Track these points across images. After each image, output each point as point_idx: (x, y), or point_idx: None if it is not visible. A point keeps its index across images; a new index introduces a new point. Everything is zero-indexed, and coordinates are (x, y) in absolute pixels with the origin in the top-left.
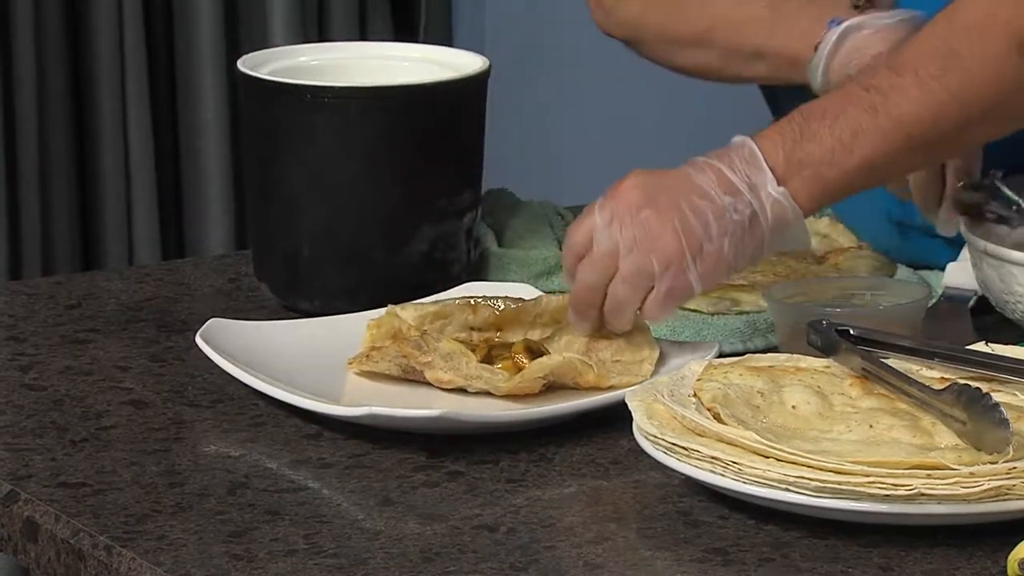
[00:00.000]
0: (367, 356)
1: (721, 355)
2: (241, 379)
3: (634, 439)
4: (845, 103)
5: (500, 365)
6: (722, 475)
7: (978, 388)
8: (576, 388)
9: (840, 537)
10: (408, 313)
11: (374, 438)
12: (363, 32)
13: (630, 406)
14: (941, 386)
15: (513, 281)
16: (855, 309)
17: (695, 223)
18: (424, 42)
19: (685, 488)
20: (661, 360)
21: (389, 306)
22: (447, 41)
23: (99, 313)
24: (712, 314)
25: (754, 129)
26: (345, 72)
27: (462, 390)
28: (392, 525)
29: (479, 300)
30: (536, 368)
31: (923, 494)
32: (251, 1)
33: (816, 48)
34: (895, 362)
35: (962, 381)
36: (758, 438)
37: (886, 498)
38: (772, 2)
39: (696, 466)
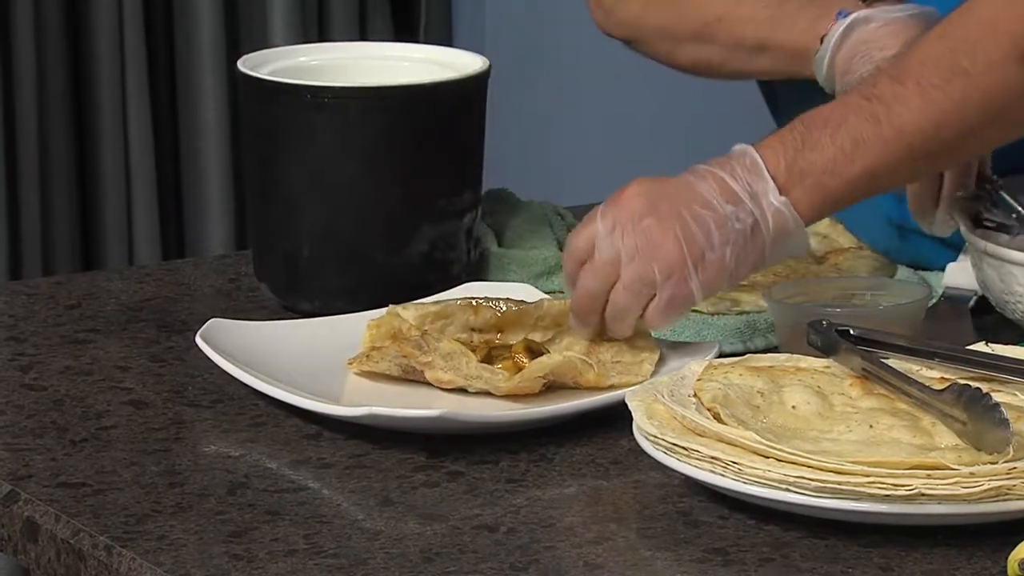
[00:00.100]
0: (367, 356)
1: (721, 355)
2: (241, 379)
3: (634, 439)
4: (846, 112)
5: (500, 365)
6: (722, 475)
7: (978, 388)
8: (576, 388)
9: (840, 537)
10: (409, 313)
11: (374, 438)
12: (363, 32)
13: (630, 406)
14: (941, 386)
15: (513, 281)
16: (855, 309)
17: (697, 232)
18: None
19: (685, 488)
20: (661, 360)
21: (390, 306)
22: (447, 41)
23: (99, 313)
24: (712, 314)
25: (753, 129)
26: (345, 72)
27: (462, 390)
28: (392, 525)
29: (480, 301)
30: (536, 367)
31: (923, 494)
32: (251, 1)
33: (822, 40)
34: (895, 362)
35: (962, 381)
36: (758, 438)
37: (886, 498)
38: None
39: (696, 466)
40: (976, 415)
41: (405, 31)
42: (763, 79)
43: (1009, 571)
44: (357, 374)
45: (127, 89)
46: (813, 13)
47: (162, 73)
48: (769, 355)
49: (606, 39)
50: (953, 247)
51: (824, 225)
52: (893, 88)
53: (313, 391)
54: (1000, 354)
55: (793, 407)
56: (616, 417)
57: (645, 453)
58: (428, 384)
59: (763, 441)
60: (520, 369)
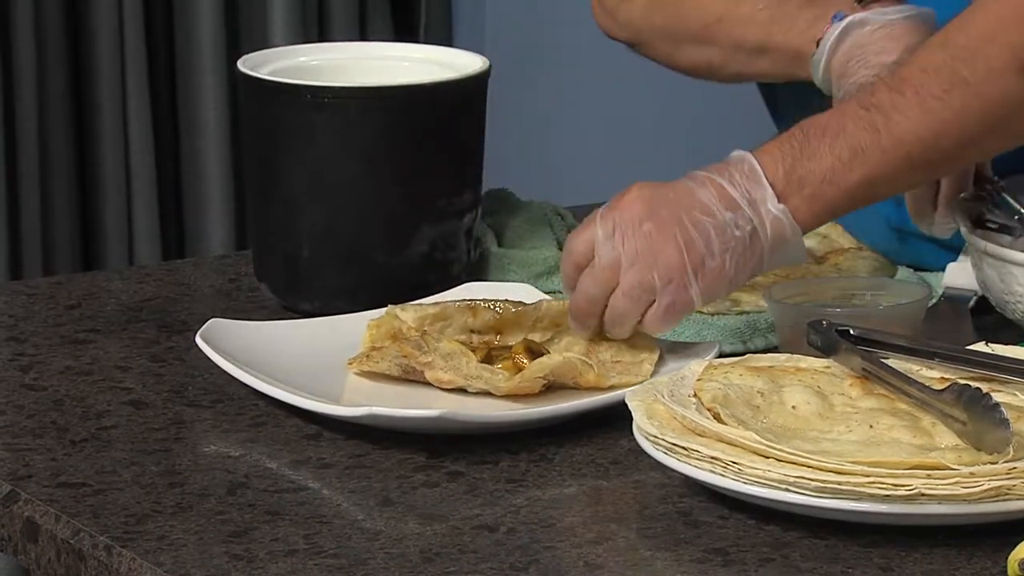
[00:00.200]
0: (367, 356)
1: (721, 355)
2: (241, 379)
3: (634, 439)
4: (845, 121)
5: (500, 365)
6: (722, 475)
7: (978, 388)
8: (576, 388)
9: (840, 537)
10: (408, 315)
11: (374, 438)
12: (363, 32)
13: (630, 406)
14: (941, 386)
15: (513, 281)
16: (855, 309)
17: (697, 238)
18: (424, 42)
19: (685, 488)
20: (661, 360)
21: (389, 306)
22: (447, 41)
23: (99, 313)
24: (712, 314)
25: (753, 130)
26: (345, 72)
27: (462, 390)
28: (392, 525)
29: (479, 303)
30: (536, 368)
31: (923, 494)
32: (251, 1)
33: (818, 43)
34: (895, 362)
35: (962, 381)
36: (758, 438)
37: (886, 498)
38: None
39: (696, 466)
40: (976, 415)
41: (405, 31)
42: (764, 82)
43: (1009, 571)
44: (357, 374)
45: (127, 89)
46: (811, 15)
47: (162, 73)
48: (769, 355)
49: (606, 39)
50: (953, 249)
51: (824, 225)
52: (892, 97)
53: (313, 391)
54: (1000, 354)
55: (793, 407)
56: (616, 417)
57: (645, 453)
58: (428, 384)
59: (763, 441)
60: (520, 369)
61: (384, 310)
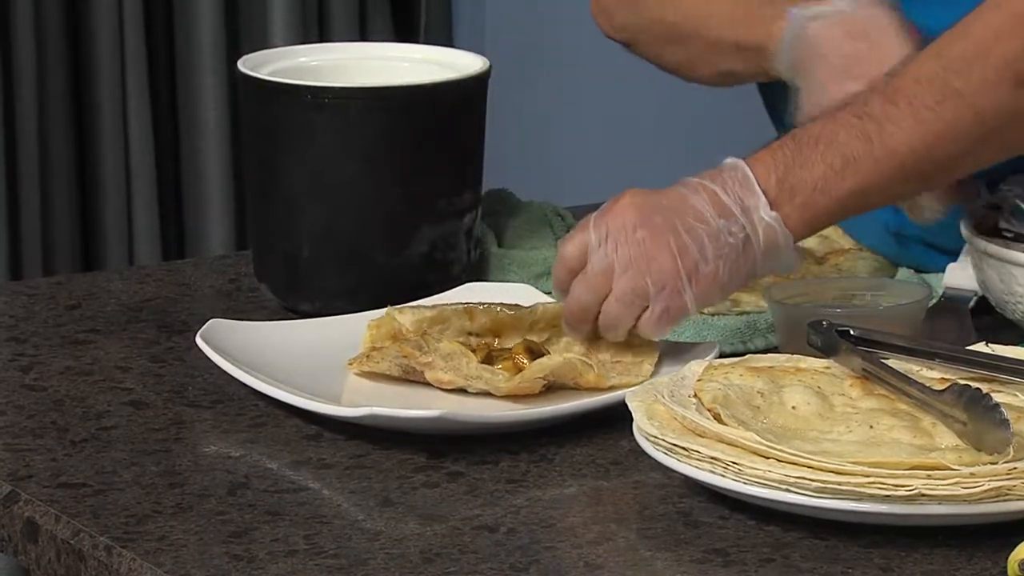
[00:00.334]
0: (367, 356)
1: (721, 355)
2: (241, 379)
3: (634, 440)
4: (837, 129)
5: (500, 366)
6: (722, 476)
7: (978, 389)
8: (576, 388)
9: (841, 538)
10: (406, 318)
11: (374, 439)
12: (363, 32)
13: (630, 406)
14: (941, 387)
15: (513, 282)
16: (855, 309)
17: (691, 244)
18: (424, 42)
19: (685, 489)
20: (661, 360)
21: (388, 308)
22: (447, 41)
23: (99, 313)
24: (712, 314)
25: (753, 131)
26: (345, 72)
27: (462, 391)
28: (392, 526)
29: (475, 306)
30: (536, 368)
31: (923, 495)
32: (251, 1)
33: (779, 38)
34: (895, 363)
35: (962, 382)
36: (758, 439)
37: (886, 499)
38: None
39: (696, 467)
40: (976, 415)
41: (405, 31)
42: (746, 81)
43: (1009, 571)
44: (357, 374)
45: (127, 89)
46: (772, 11)
47: (162, 73)
48: (769, 355)
49: (606, 39)
50: (952, 254)
51: None
52: (885, 107)
53: (313, 391)
54: (1000, 355)
55: (793, 408)
56: (616, 417)
57: (645, 453)
58: (428, 384)
59: (763, 442)
60: (520, 370)
61: (384, 311)
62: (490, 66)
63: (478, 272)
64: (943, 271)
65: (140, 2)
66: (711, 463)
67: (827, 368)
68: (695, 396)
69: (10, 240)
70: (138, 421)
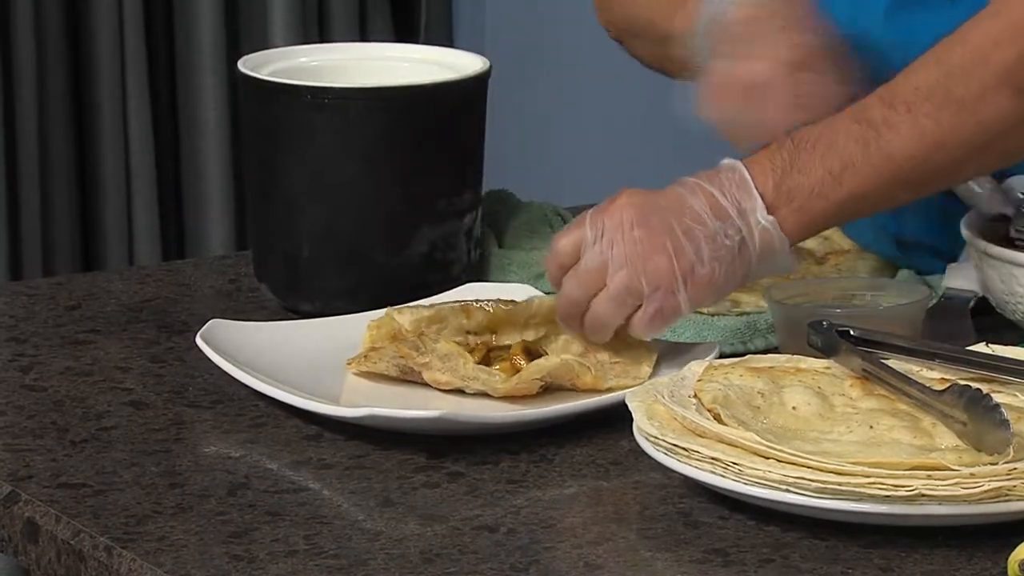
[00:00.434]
0: (365, 356)
1: (721, 356)
2: (241, 380)
3: (634, 440)
4: (836, 134)
5: (498, 366)
6: (722, 476)
7: (979, 389)
8: (574, 390)
9: (840, 538)
10: (404, 318)
11: (374, 439)
12: (363, 33)
13: (630, 407)
14: (942, 387)
15: (513, 282)
16: (855, 310)
17: (687, 246)
18: (424, 43)
19: (685, 489)
20: (662, 361)
21: (387, 309)
22: (447, 42)
23: (99, 314)
24: (712, 315)
25: None
26: (345, 73)
27: (462, 391)
28: (392, 526)
29: (471, 303)
30: (534, 370)
31: (923, 495)
32: (251, 1)
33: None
34: (895, 363)
35: (963, 382)
36: (758, 439)
37: (886, 499)
38: None
39: (696, 467)
40: (977, 416)
41: (405, 31)
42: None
43: (1009, 572)
44: (357, 375)
45: (127, 89)
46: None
47: (162, 73)
48: (769, 356)
49: (606, 39)
50: (952, 259)
51: None
52: (884, 113)
53: (313, 392)
54: (1000, 355)
55: (793, 408)
56: (616, 418)
57: (645, 454)
58: (428, 385)
59: (763, 442)
60: (518, 370)
61: (383, 311)
62: (490, 66)
63: (478, 272)
64: (943, 274)
65: (140, 2)
66: (711, 463)
67: (827, 368)
68: (695, 396)
69: (10, 240)
70: (138, 421)
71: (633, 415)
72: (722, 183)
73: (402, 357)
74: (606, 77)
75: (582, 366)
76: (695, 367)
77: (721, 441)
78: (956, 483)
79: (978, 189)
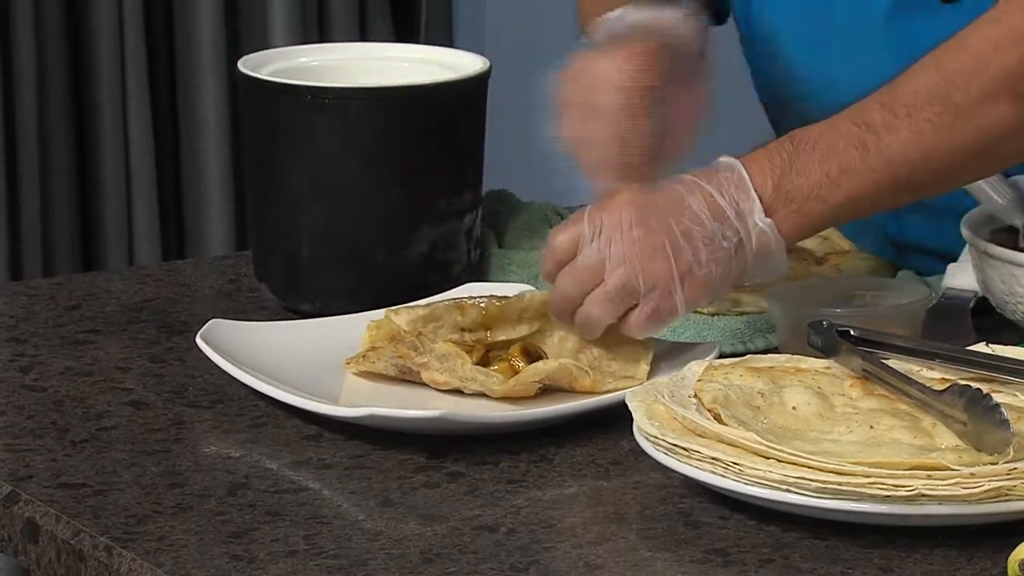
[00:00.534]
0: (363, 356)
1: (721, 356)
2: (241, 380)
3: (634, 440)
4: (835, 137)
5: (496, 367)
6: (723, 476)
7: (979, 389)
8: (572, 391)
9: (841, 538)
10: (401, 318)
11: (374, 439)
12: (363, 33)
13: (630, 407)
14: (942, 387)
15: (514, 282)
16: (855, 310)
17: (685, 247)
18: (424, 42)
19: (685, 489)
20: (662, 361)
21: (386, 309)
22: (447, 41)
23: (99, 314)
24: (712, 315)
25: (751, 130)
26: (345, 73)
27: (461, 391)
28: (392, 526)
29: (465, 301)
30: (532, 372)
31: (924, 495)
32: (251, 1)
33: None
34: (896, 363)
35: (963, 382)
36: (759, 439)
37: (887, 499)
38: None
39: (696, 467)
40: (977, 416)
41: (405, 31)
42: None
43: (1009, 572)
44: (357, 375)
45: (127, 89)
46: (605, 6)
47: (162, 73)
48: (769, 356)
49: None
50: (951, 260)
51: None
52: (883, 116)
53: (313, 392)
54: (1001, 355)
55: (794, 408)
56: (616, 418)
57: (645, 454)
58: (427, 385)
59: (763, 442)
60: (516, 371)
61: (383, 311)
62: (490, 66)
63: (478, 272)
64: (943, 274)
65: (140, 2)
66: (711, 463)
67: (827, 368)
68: (695, 396)
69: (10, 240)
70: (138, 421)
71: (633, 415)
72: (720, 183)
73: (400, 357)
74: None
75: (580, 370)
76: (695, 367)
77: (721, 441)
78: (956, 483)
79: (998, 199)
